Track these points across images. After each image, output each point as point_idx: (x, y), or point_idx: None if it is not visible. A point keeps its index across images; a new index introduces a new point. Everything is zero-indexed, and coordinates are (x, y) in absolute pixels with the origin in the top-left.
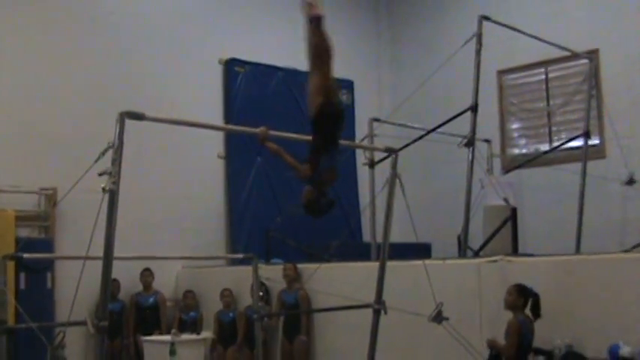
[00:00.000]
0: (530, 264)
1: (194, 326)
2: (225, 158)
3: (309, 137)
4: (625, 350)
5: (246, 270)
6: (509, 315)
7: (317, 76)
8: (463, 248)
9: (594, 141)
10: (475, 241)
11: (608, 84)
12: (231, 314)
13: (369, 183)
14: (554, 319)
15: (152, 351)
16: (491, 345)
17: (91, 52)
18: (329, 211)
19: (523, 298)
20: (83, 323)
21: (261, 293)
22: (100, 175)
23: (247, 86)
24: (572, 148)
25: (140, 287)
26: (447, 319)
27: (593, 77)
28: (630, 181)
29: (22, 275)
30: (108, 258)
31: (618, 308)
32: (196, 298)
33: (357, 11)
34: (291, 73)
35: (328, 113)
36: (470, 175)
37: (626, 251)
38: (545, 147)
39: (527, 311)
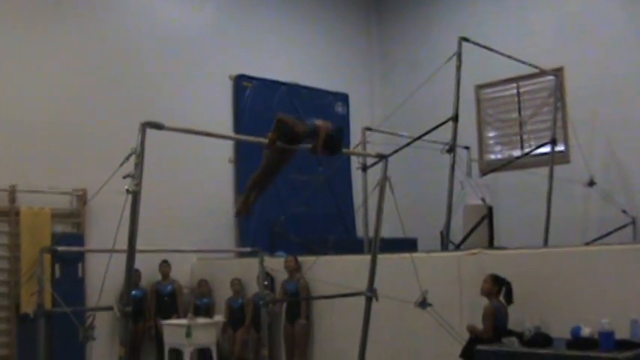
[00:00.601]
0: (504, 256)
1: (207, 311)
2: (234, 162)
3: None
4: (585, 331)
5: (253, 262)
6: (485, 301)
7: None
8: (445, 242)
9: (560, 148)
10: (456, 236)
11: (571, 97)
12: (240, 301)
13: (362, 185)
14: (525, 305)
15: (170, 332)
16: (471, 330)
17: (118, 69)
18: (341, 137)
19: (497, 286)
20: (110, 308)
21: (266, 282)
22: (125, 177)
23: (254, 99)
24: (540, 154)
25: (159, 277)
26: (431, 305)
27: (559, 91)
28: (591, 183)
29: (57, 266)
30: (131, 251)
31: (580, 294)
32: (209, 286)
33: (351, 32)
34: (293, 88)
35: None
36: (451, 177)
37: (587, 244)
38: (517, 153)
39: (502, 298)
